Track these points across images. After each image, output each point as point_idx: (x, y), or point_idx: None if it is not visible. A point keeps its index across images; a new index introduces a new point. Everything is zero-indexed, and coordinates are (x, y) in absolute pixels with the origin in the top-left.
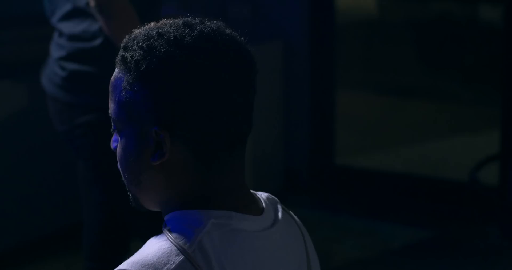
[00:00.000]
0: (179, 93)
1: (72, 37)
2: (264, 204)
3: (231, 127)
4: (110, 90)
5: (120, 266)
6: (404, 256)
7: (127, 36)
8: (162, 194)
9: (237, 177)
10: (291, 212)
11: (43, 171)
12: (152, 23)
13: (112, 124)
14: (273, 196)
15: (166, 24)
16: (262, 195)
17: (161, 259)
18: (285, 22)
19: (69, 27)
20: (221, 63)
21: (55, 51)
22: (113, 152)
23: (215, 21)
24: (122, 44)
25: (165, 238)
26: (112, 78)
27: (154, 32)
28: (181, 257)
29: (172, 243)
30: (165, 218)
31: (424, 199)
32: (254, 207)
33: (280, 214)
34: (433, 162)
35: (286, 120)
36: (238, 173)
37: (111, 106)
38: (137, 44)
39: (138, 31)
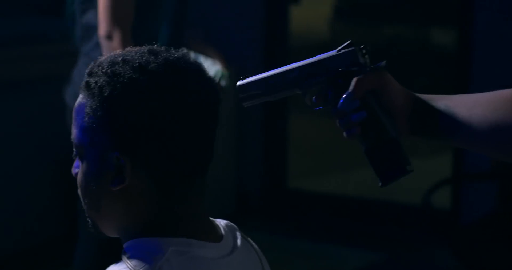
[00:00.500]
0: (142, 120)
1: None
2: (223, 231)
3: (192, 155)
4: (73, 115)
5: None
6: None
7: (92, 62)
8: (121, 221)
9: (197, 205)
10: (249, 239)
11: (32, 182)
12: (118, 50)
13: (73, 149)
14: (232, 223)
15: (131, 51)
16: (221, 222)
17: None
18: (238, 46)
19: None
20: (185, 91)
21: None
22: None
23: (180, 50)
24: (87, 70)
25: (125, 266)
26: (75, 103)
27: (119, 59)
28: None
29: None
30: (124, 245)
31: (376, 222)
32: (213, 234)
33: (239, 241)
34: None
35: (239, 144)
36: (198, 201)
37: (74, 131)
38: (101, 70)
39: (103, 57)
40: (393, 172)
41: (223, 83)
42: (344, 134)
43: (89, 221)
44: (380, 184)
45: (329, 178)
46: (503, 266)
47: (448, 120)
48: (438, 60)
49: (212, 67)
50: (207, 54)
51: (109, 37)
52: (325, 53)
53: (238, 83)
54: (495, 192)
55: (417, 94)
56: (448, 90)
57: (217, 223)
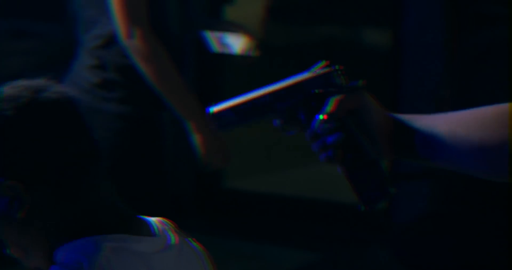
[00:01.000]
0: (16, 146)
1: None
2: (155, 227)
3: (72, 159)
4: None
5: None
6: None
7: None
8: (49, 243)
9: (106, 194)
10: (184, 234)
11: None
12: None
13: None
14: (166, 220)
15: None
16: (154, 219)
17: None
18: None
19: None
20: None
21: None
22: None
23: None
24: None
25: (65, 268)
26: None
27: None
28: None
29: None
30: (55, 258)
31: (313, 221)
32: (145, 229)
33: (174, 236)
34: (321, 185)
35: (173, 142)
36: (105, 190)
37: None
38: None
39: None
40: (375, 195)
41: (253, 53)
42: (320, 157)
43: (28, 265)
44: (362, 208)
45: (265, 178)
46: (436, 264)
47: (428, 141)
48: (370, 60)
49: (239, 41)
50: (231, 31)
51: (130, 37)
52: (299, 75)
53: (210, 111)
54: (426, 192)
55: (397, 114)
56: (380, 89)
57: (148, 219)
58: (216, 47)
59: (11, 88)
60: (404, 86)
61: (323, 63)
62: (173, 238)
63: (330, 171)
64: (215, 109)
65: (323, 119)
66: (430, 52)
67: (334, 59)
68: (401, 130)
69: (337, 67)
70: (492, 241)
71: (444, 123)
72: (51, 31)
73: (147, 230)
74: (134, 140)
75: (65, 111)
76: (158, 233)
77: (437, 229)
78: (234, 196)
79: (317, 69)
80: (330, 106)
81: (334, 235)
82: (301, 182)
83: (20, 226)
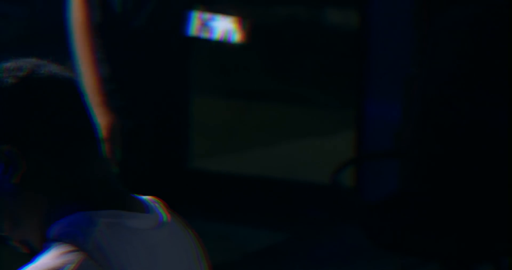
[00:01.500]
0: (15, 112)
1: None
2: (147, 204)
3: (68, 132)
4: None
5: None
6: (260, 260)
7: None
8: (41, 214)
9: (100, 169)
10: (175, 214)
11: None
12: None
13: None
14: (155, 198)
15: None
16: (143, 197)
17: (61, 260)
18: None
19: None
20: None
21: None
22: None
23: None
24: None
25: (59, 243)
26: None
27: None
28: (81, 256)
29: (69, 245)
30: (49, 233)
31: (280, 201)
32: (139, 206)
33: (165, 214)
34: (288, 164)
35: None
36: (99, 165)
37: None
38: None
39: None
40: None
41: (234, 38)
42: None
43: (19, 245)
44: None
45: (230, 158)
46: (406, 242)
47: None
48: (333, 39)
49: (225, 25)
50: (225, 12)
51: (72, 7)
52: None
53: None
54: (396, 171)
55: None
56: (345, 69)
57: (140, 197)
58: (194, 30)
59: (11, 63)
60: (373, 66)
61: None
62: (165, 216)
63: (296, 151)
64: None
65: None
66: (399, 30)
67: (297, 39)
68: None
69: None
70: (460, 220)
71: None
72: (16, 12)
73: (141, 207)
74: None
75: (63, 87)
76: (152, 210)
77: (406, 207)
78: (199, 176)
79: None
80: None
81: (301, 215)
82: (267, 161)
83: (13, 193)
